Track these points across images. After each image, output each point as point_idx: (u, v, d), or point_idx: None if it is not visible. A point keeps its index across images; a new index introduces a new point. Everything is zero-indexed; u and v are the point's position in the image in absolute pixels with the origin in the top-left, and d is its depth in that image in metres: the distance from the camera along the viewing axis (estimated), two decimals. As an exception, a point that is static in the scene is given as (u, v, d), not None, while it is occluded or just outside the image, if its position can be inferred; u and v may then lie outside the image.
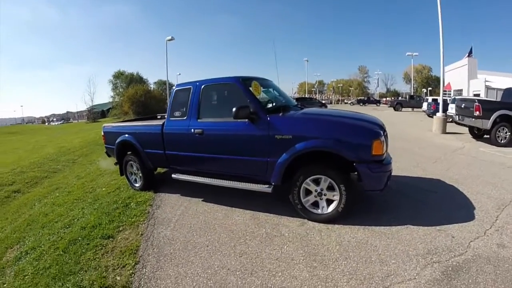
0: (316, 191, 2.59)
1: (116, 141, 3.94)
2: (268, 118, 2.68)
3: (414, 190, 3.45)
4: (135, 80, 45.16)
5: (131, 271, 2.16)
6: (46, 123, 66.01)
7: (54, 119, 76.76)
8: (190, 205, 3.35)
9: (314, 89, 64.10)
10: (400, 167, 4.38)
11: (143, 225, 2.96)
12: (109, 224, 3.05)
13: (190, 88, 3.23)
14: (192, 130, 3.06)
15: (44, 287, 2.11)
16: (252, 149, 2.73)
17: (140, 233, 2.78)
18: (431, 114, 13.76)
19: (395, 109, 23.10)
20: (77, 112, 68.28)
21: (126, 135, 3.84)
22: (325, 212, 2.60)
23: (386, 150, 2.66)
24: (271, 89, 3.39)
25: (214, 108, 3.14)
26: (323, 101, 48.78)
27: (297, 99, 28.45)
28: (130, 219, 3.13)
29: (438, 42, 9.21)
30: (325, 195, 2.58)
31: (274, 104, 3.07)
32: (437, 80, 47.20)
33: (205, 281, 1.94)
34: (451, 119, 9.26)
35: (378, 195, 3.18)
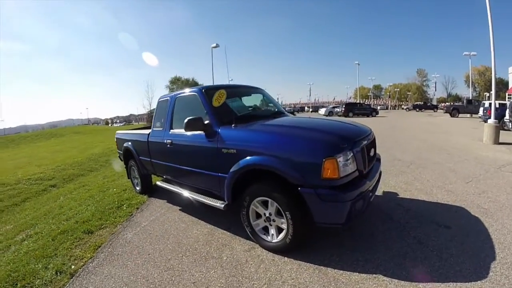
0: (265, 215, 2.42)
1: (122, 147, 4.67)
2: (219, 130, 2.66)
3: (419, 220, 2.88)
4: (190, 85, 50.28)
5: (83, 263, 2.63)
6: (109, 125, 77.44)
7: (118, 121, 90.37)
8: (166, 213, 3.72)
9: (370, 94, 62.73)
10: (419, 187, 3.89)
11: (119, 226, 3.48)
12: (96, 221, 3.67)
13: (168, 99, 3.63)
14: (165, 140, 3.40)
15: (24, 263, 2.73)
16: (205, 163, 2.81)
17: (112, 232, 3.29)
18: (486, 120, 11.84)
19: (451, 115, 22.12)
20: (138, 115, 78.63)
21: (129, 143, 4.53)
22: (273, 241, 2.40)
23: (364, 169, 2.29)
24: (238, 98, 3.38)
25: (182, 119, 3.21)
26: (378, 107, 45.49)
27: (346, 105, 28.32)
28: (113, 219, 3.69)
29: (503, 41, 8.17)
30: (273, 221, 2.37)
31: (239, 113, 3.05)
32: (501, 82, 41.76)
33: (121, 285, 2.20)
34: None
35: (366, 224, 2.82)
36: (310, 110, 52.34)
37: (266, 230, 2.48)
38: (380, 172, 2.94)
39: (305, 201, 2.10)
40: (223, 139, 2.58)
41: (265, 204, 2.39)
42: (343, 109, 26.75)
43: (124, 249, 2.82)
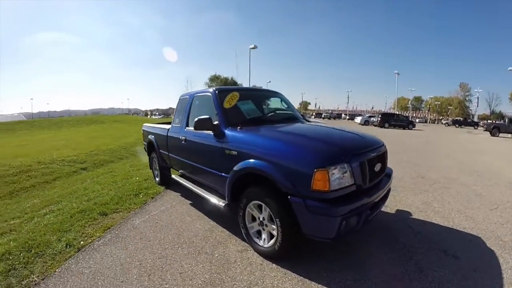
0: (259, 218, 2.47)
1: (147, 139, 5.01)
2: (225, 131, 2.76)
3: (426, 246, 2.68)
4: (229, 84, 52.02)
5: (91, 240, 2.90)
6: (148, 116, 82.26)
7: (156, 113, 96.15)
8: (176, 205, 3.95)
9: (409, 105, 61.21)
10: (436, 209, 3.65)
11: (132, 212, 3.76)
12: (113, 205, 4.00)
13: (187, 97, 3.84)
14: (181, 136, 3.61)
15: (42, 234, 3.08)
16: (212, 161, 2.95)
17: (124, 217, 3.56)
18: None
19: (491, 134, 20.89)
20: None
21: (152, 136, 4.87)
22: (264, 246, 2.43)
23: (364, 184, 2.19)
24: (250, 101, 3.42)
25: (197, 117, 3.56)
26: (417, 120, 42.61)
27: (382, 115, 27.46)
28: (128, 205, 4.00)
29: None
30: (266, 226, 2.41)
31: (248, 116, 3.14)
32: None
33: (112, 267, 2.39)
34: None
35: (366, 242, 2.72)
36: (347, 117, 51.23)
37: (259, 234, 2.52)
38: (389, 189, 2.80)
39: (294, 211, 2.10)
40: (228, 140, 2.69)
41: (260, 208, 2.44)
42: (379, 119, 26.24)
43: (129, 233, 3.06)
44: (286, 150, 2.22)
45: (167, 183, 4.83)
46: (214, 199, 2.94)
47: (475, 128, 34.90)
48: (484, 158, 8.76)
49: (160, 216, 3.53)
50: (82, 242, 2.89)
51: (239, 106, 3.17)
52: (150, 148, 5.05)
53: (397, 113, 37.73)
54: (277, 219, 2.22)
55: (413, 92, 61.55)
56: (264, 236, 2.46)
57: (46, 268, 2.44)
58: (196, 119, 2.84)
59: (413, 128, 26.15)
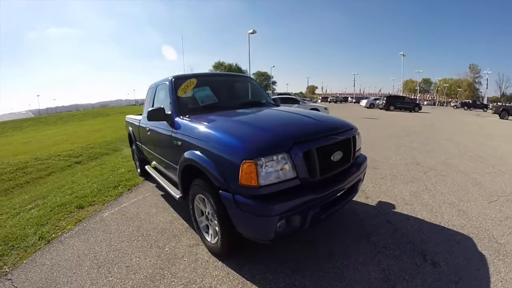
0: (205, 212, 2.46)
1: (127, 131, 5.26)
2: (175, 120, 2.78)
3: (402, 247, 2.45)
4: (233, 70, 53.73)
5: (60, 233, 3.17)
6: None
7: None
8: (148, 196, 4.17)
9: (417, 87, 62.16)
10: (425, 201, 3.46)
11: (106, 204, 3.99)
12: (91, 197, 4.27)
13: (154, 87, 3.92)
14: (147, 127, 3.74)
15: (21, 228, 3.40)
16: (167, 152, 3.04)
17: (97, 210, 3.79)
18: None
19: (500, 117, 20.89)
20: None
21: (130, 127, 5.05)
22: (211, 242, 2.42)
23: (312, 177, 2.02)
24: (207, 87, 3.32)
25: None
26: (425, 102, 44.22)
27: (388, 98, 27.94)
28: (105, 198, 4.25)
29: None
30: (211, 221, 2.38)
31: (202, 103, 3.10)
32: None
33: (70, 259, 2.59)
34: None
35: (330, 240, 2.61)
36: (353, 101, 52.36)
37: (208, 228, 2.53)
38: (358, 180, 2.61)
39: (225, 207, 2.02)
40: (176, 130, 2.72)
41: (204, 202, 2.42)
42: (384, 102, 26.76)
43: (95, 226, 3.30)
44: (219, 139, 2.13)
45: (147, 174, 5.04)
46: (172, 191, 3.02)
47: (484, 111, 34.47)
48: (491, 142, 8.28)
49: (128, 208, 3.75)
50: (53, 235, 3.15)
51: (194, 93, 3.18)
52: (130, 139, 5.28)
53: (403, 95, 38.51)
54: (215, 215, 2.18)
55: (421, 74, 63.56)
56: (211, 231, 2.47)
57: (18, 259, 2.73)
58: (148, 109, 2.92)
59: (419, 111, 26.27)
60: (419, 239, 2.62)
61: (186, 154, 2.39)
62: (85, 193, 4.49)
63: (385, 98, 27.70)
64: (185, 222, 3.19)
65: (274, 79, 65.13)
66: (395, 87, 76.90)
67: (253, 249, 2.51)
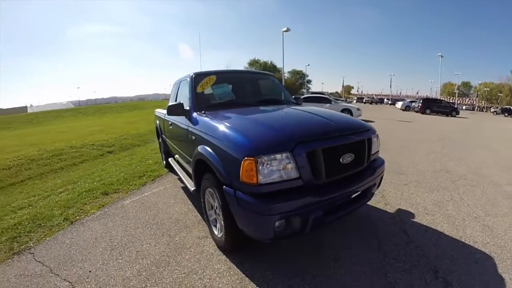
0: (214, 206, 2.51)
1: (156, 125, 5.55)
2: (192, 115, 2.90)
3: (414, 261, 2.31)
4: (268, 68, 55.25)
5: (84, 216, 3.46)
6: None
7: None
8: (169, 187, 4.40)
9: (455, 91, 59.22)
10: (449, 212, 3.26)
11: (130, 192, 4.25)
12: (117, 185, 4.59)
13: (177, 83, 4.09)
14: (170, 121, 3.95)
15: (50, 209, 3.75)
16: (185, 146, 3.16)
17: (120, 197, 4.05)
18: None
19: None
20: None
21: (157, 121, 5.31)
22: (218, 235, 2.48)
23: (317, 179, 2.00)
24: (226, 84, 3.43)
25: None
26: (463, 107, 43.78)
27: (424, 100, 27.34)
28: (129, 186, 4.54)
29: None
30: (219, 215, 2.41)
31: (221, 99, 3.22)
32: None
33: (87, 240, 2.83)
34: None
35: (337, 245, 2.56)
36: (389, 103, 52.23)
37: (216, 222, 2.60)
38: (372, 186, 2.49)
39: (228, 203, 2.07)
40: (192, 125, 2.83)
41: (213, 196, 2.47)
42: (420, 104, 26.51)
43: (116, 211, 3.55)
44: (226, 136, 2.18)
45: (170, 166, 5.29)
46: (188, 184, 3.15)
47: (524, 118, 32.22)
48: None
49: (149, 197, 3.97)
50: (77, 217, 3.45)
51: (213, 89, 3.29)
52: (157, 132, 5.57)
53: (441, 98, 37.92)
54: (220, 210, 2.24)
55: (460, 77, 61.01)
56: (218, 225, 2.53)
57: (42, 236, 3.04)
58: (168, 105, 3.07)
59: (456, 116, 25.94)
60: (434, 253, 2.43)
61: (199, 149, 2.49)
62: (112, 181, 4.83)
63: (421, 101, 27.39)
64: (198, 215, 3.31)
65: (309, 78, 65.34)
66: (433, 90, 75.61)
67: (259, 247, 2.54)
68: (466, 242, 2.64)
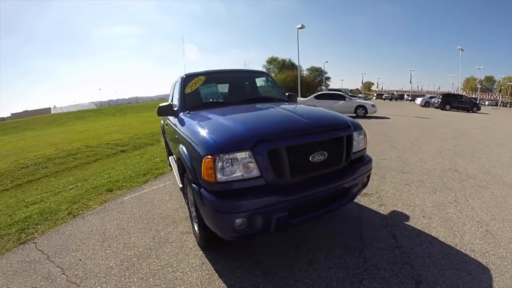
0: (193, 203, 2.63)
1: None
2: (179, 115, 3.07)
3: (396, 270, 2.23)
4: (286, 66, 55.74)
5: (86, 211, 3.82)
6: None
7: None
8: (168, 185, 4.68)
9: (477, 86, 58.61)
10: (448, 216, 3.15)
11: (132, 189, 4.57)
12: (121, 182, 4.96)
13: (173, 83, 4.35)
14: (166, 120, 4.21)
15: (58, 204, 4.16)
16: (172, 144, 3.37)
17: (122, 193, 4.37)
18: None
19: None
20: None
21: (161, 121, 5.61)
22: (197, 231, 2.57)
23: (281, 178, 2.04)
24: (214, 85, 3.64)
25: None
26: (486, 102, 42.91)
27: (443, 96, 27.00)
28: (132, 183, 4.89)
29: None
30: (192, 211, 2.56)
31: (207, 99, 3.44)
32: None
33: (84, 232, 3.13)
34: None
35: (316, 248, 2.59)
36: (409, 99, 52.28)
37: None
38: (352, 186, 2.45)
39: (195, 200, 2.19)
40: (179, 125, 3.01)
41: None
42: (440, 100, 26.44)
43: (115, 207, 3.88)
44: (195, 135, 2.31)
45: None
46: (178, 181, 3.36)
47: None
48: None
49: (147, 194, 4.27)
50: (80, 212, 3.80)
51: (200, 90, 3.49)
52: (162, 131, 5.88)
53: (461, 94, 37.91)
54: (193, 206, 2.40)
55: (483, 71, 58.21)
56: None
57: (47, 228, 3.41)
58: (158, 106, 3.30)
59: (477, 111, 25.29)
60: (421, 262, 2.30)
61: (179, 148, 2.69)
62: (118, 178, 5.20)
63: (440, 97, 27.25)
64: (187, 211, 3.48)
65: (328, 75, 66.14)
66: (454, 85, 73.81)
67: (237, 245, 2.66)
68: (462, 250, 2.48)
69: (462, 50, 46.27)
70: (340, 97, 16.60)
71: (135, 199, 4.09)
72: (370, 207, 3.43)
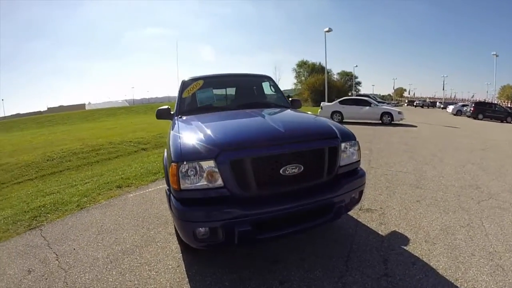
0: None
1: None
2: (174, 119, 3.15)
3: None
4: (317, 69, 57.17)
5: (93, 204, 4.21)
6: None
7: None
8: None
9: None
10: (455, 244, 2.86)
11: (140, 187, 4.90)
12: (131, 180, 5.35)
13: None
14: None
15: (71, 196, 4.58)
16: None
17: (129, 191, 4.71)
18: None
19: None
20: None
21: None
22: None
23: (245, 190, 2.05)
24: (210, 89, 3.79)
25: None
26: None
27: (476, 104, 26.61)
28: (141, 182, 5.26)
29: None
30: None
31: (202, 104, 3.60)
32: None
33: (85, 224, 3.45)
34: None
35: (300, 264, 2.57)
36: (442, 106, 52.16)
37: None
38: (334, 203, 2.30)
39: None
40: (170, 129, 3.07)
41: None
42: (472, 109, 26.29)
43: (118, 203, 4.22)
44: (171, 141, 2.37)
45: None
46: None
47: None
48: None
49: (150, 193, 4.56)
50: (87, 205, 4.19)
51: (197, 94, 3.67)
52: None
53: (495, 102, 36.67)
54: None
55: None
56: None
57: (55, 218, 3.82)
58: (157, 109, 3.52)
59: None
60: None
61: (165, 152, 2.80)
62: (130, 176, 5.59)
63: (473, 105, 27.16)
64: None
65: (358, 80, 67.23)
66: (489, 93, 70.25)
67: (217, 253, 2.71)
68: (462, 287, 2.21)
69: (496, 55, 44.46)
70: (365, 103, 16.55)
71: (138, 197, 4.39)
72: (368, 225, 3.28)
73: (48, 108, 69.31)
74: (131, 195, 4.51)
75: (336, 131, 2.49)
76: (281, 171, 2.09)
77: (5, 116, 66.72)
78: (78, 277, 2.43)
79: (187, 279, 2.36)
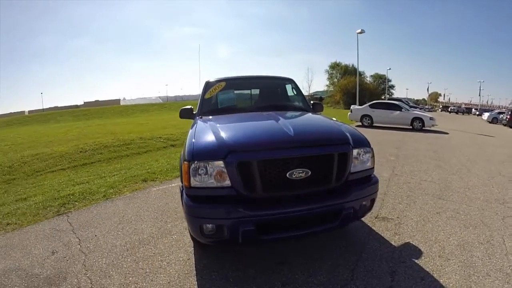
0: None
1: None
2: (196, 119, 3.31)
3: None
4: (349, 71, 56.77)
5: (118, 196, 4.55)
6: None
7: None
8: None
9: None
10: (472, 262, 2.68)
11: (163, 181, 5.21)
12: (157, 175, 5.69)
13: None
14: None
15: (98, 187, 5.00)
16: None
17: (152, 185, 5.01)
18: None
19: None
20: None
21: None
22: None
23: (251, 192, 2.12)
24: (232, 91, 3.92)
25: None
26: None
27: None
28: (165, 176, 5.61)
29: None
30: None
31: (223, 105, 3.76)
32: None
33: (108, 213, 3.75)
34: None
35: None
36: (477, 113, 50.03)
37: None
38: (342, 209, 2.32)
39: None
40: (190, 128, 3.20)
41: None
42: (508, 117, 25.05)
43: (141, 195, 4.53)
44: (188, 140, 2.51)
45: None
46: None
47: None
48: None
49: (173, 188, 4.83)
50: (112, 196, 4.53)
51: (218, 95, 3.84)
52: None
53: None
54: None
55: None
56: None
57: (82, 206, 4.20)
58: (181, 108, 3.74)
59: None
60: None
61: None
62: (156, 171, 5.94)
63: (510, 112, 25.79)
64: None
65: (392, 83, 65.94)
66: None
67: (226, 251, 2.83)
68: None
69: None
70: (396, 107, 16.19)
71: (161, 191, 4.67)
72: (382, 234, 3.23)
73: (84, 102, 73.49)
74: (155, 189, 4.80)
75: (349, 136, 2.49)
76: (287, 175, 2.14)
77: (43, 109, 71.48)
78: (96, 261, 2.69)
79: (194, 272, 2.51)
